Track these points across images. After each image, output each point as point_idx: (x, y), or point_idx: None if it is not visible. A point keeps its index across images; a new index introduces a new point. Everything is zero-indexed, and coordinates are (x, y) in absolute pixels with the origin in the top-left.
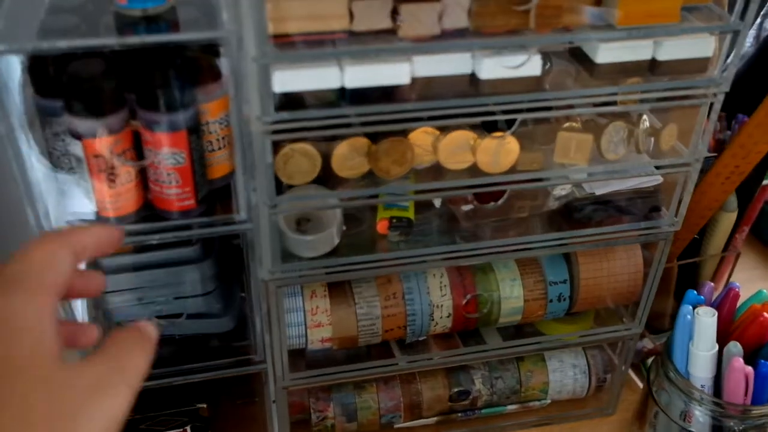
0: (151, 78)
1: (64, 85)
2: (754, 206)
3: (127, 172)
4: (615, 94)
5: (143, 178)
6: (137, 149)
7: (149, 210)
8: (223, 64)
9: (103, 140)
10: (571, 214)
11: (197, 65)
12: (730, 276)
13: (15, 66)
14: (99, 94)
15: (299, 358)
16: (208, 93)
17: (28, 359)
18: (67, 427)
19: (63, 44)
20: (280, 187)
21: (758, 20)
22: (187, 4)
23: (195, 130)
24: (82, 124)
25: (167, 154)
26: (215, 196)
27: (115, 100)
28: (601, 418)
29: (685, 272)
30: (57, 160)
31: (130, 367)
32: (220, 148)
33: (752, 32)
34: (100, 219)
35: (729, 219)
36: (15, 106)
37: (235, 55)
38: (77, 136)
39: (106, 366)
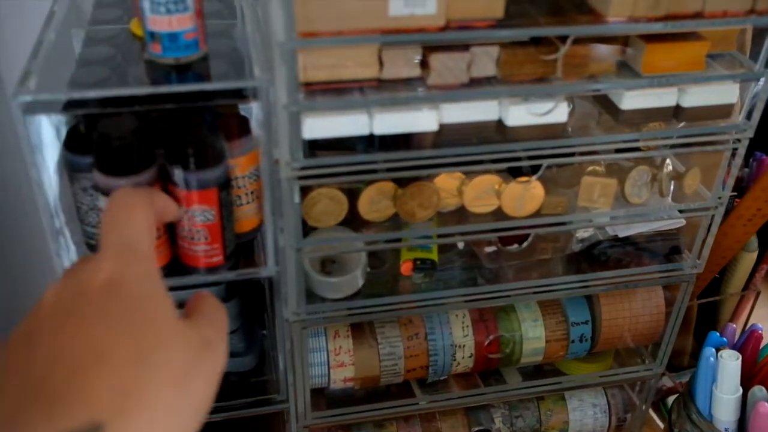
0: (181, 135)
1: (94, 143)
2: None
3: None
4: (638, 140)
5: (171, 234)
6: None
7: (176, 266)
8: (253, 117)
9: None
10: (594, 257)
11: (227, 121)
12: (750, 315)
13: (47, 126)
14: (128, 153)
15: (320, 396)
16: (238, 148)
17: (162, 321)
18: (194, 378)
19: (93, 94)
20: (306, 230)
21: None
22: (217, 55)
23: (225, 186)
24: (111, 182)
25: (197, 210)
26: (241, 246)
27: (144, 158)
28: None
29: (706, 311)
30: (85, 215)
31: (223, 325)
32: (248, 203)
33: None
34: None
35: (749, 259)
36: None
37: (266, 103)
38: (106, 193)
39: (208, 325)
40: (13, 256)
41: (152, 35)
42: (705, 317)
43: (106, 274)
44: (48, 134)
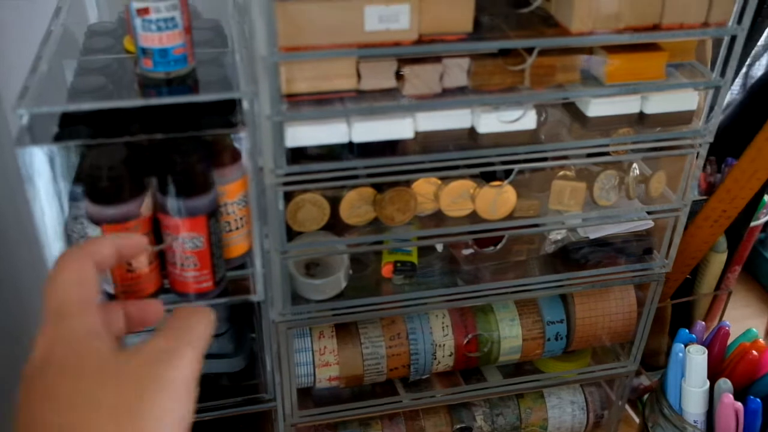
0: (170, 164)
1: (84, 173)
2: (744, 246)
3: (145, 256)
4: (606, 145)
5: (161, 260)
6: (156, 232)
7: (167, 292)
8: (242, 145)
9: (121, 226)
10: (567, 257)
11: (216, 149)
12: (722, 314)
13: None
14: (118, 183)
15: (307, 396)
16: (227, 175)
17: (87, 359)
18: (133, 405)
19: (87, 106)
20: (291, 234)
21: (744, 69)
22: (208, 77)
23: (214, 213)
24: (101, 211)
25: (186, 238)
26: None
27: (134, 188)
28: None
29: (679, 311)
30: (76, 243)
31: (191, 332)
32: (237, 228)
33: (739, 80)
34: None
35: (719, 259)
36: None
37: (250, 113)
38: (96, 222)
39: (167, 335)
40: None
41: (144, 51)
42: (679, 317)
43: (40, 352)
44: (41, 164)
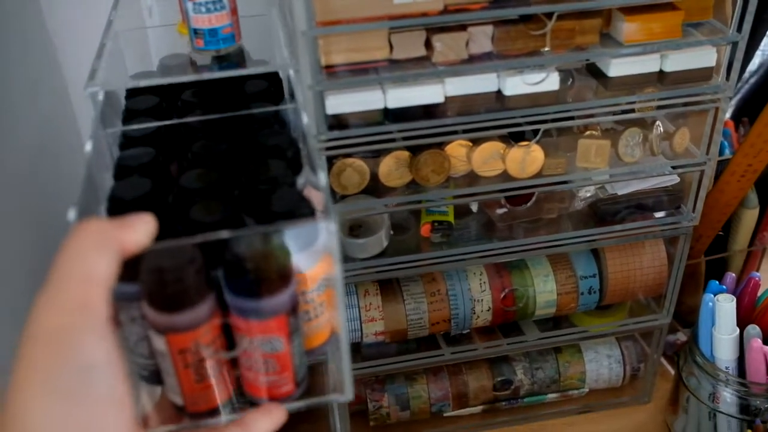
0: (244, 261)
1: (143, 277)
2: None
3: (216, 363)
4: (626, 103)
5: (232, 363)
6: (227, 334)
7: (242, 398)
8: (320, 228)
9: (188, 334)
10: (597, 214)
11: (293, 231)
12: (757, 270)
13: None
14: (183, 287)
15: (355, 351)
16: (306, 262)
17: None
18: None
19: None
20: (335, 198)
21: None
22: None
23: (294, 309)
24: (164, 318)
25: (263, 340)
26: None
27: (202, 288)
28: (637, 406)
29: (714, 268)
30: (134, 347)
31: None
32: (316, 316)
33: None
34: (189, 414)
35: (751, 215)
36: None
37: (294, 84)
38: (160, 330)
39: None
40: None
41: (195, 32)
42: (714, 275)
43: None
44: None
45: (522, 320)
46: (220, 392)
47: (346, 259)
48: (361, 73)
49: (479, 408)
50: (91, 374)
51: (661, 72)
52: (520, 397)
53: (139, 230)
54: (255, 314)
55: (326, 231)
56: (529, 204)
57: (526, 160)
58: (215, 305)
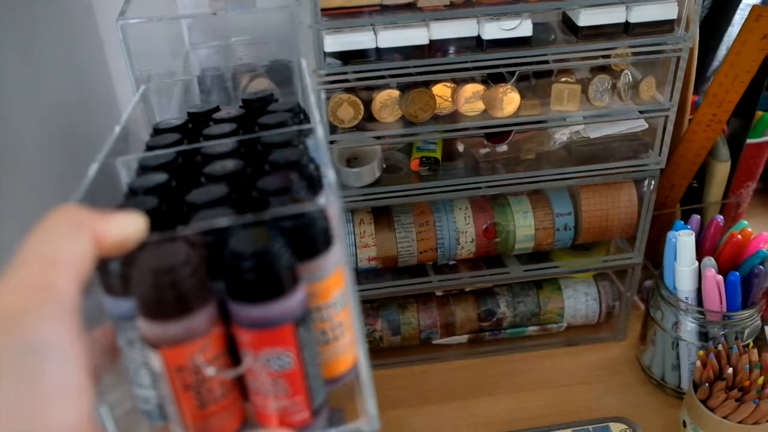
0: (242, 260)
1: (134, 282)
2: (754, 162)
3: (220, 385)
4: (595, 50)
5: (242, 388)
6: (232, 351)
7: (251, 428)
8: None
9: (185, 347)
10: (572, 155)
11: (301, 236)
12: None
13: None
14: (179, 291)
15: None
16: (317, 270)
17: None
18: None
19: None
20: (333, 130)
21: None
22: None
23: (303, 319)
24: (158, 329)
25: (269, 355)
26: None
27: (200, 294)
28: (613, 342)
29: None
30: (135, 376)
31: None
32: (335, 338)
33: None
34: None
35: (723, 168)
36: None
37: (296, 24)
38: (154, 345)
39: None
40: None
41: None
42: None
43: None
44: None
45: (504, 254)
46: (227, 421)
47: (343, 187)
48: (355, 16)
49: (465, 337)
50: (45, 356)
51: (627, 23)
52: (503, 328)
53: (118, 222)
54: (258, 323)
55: (338, 242)
56: (508, 141)
57: (504, 100)
58: (216, 316)
